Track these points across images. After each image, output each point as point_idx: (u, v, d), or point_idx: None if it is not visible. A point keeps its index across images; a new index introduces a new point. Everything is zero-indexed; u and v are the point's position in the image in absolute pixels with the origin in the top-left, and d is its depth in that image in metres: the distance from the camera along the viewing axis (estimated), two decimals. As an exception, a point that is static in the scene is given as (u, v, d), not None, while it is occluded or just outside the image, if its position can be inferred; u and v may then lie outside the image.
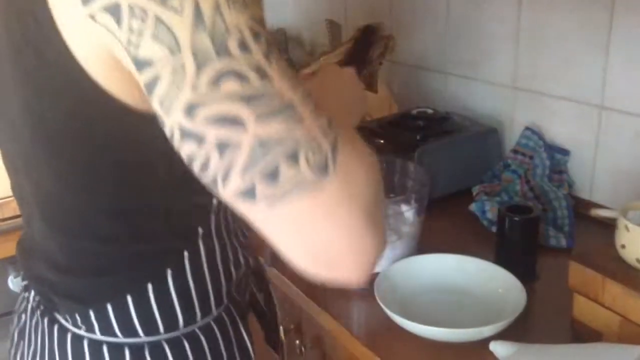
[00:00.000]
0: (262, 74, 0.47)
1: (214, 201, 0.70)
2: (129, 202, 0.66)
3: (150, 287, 0.69)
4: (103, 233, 0.67)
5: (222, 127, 0.46)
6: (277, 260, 1.08)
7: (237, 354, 0.77)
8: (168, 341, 0.72)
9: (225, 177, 0.47)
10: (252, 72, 0.46)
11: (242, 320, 0.80)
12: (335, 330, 0.94)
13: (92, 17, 0.49)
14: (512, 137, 1.34)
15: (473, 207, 1.21)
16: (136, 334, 0.71)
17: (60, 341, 0.72)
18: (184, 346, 0.72)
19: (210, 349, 0.74)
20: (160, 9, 0.46)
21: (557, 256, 1.07)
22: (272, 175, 0.47)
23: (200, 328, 0.74)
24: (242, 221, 0.71)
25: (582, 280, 0.84)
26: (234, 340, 0.77)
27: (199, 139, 0.47)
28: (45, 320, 0.74)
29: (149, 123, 0.54)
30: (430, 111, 1.33)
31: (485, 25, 1.36)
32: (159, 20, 0.46)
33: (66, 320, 0.72)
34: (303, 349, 1.07)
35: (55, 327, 0.73)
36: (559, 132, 1.26)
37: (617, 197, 1.16)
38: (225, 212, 0.73)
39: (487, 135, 1.34)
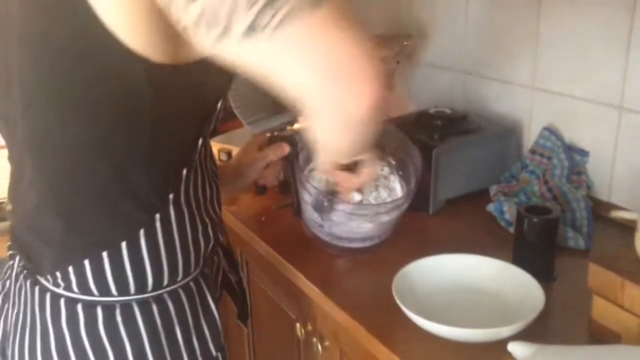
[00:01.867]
0: None
1: (184, 172, 0.78)
2: (113, 144, 0.72)
3: (124, 245, 0.76)
4: (88, 180, 0.74)
5: None
6: (294, 257, 1.09)
7: (203, 322, 0.84)
8: (138, 302, 0.78)
9: (233, 18, 0.54)
10: None
11: (211, 293, 0.86)
12: (353, 328, 0.95)
13: None
14: (530, 137, 1.34)
15: (491, 207, 1.21)
16: (109, 293, 0.77)
17: (40, 301, 0.79)
18: (151, 308, 0.79)
19: (176, 313, 0.81)
20: None
21: (575, 257, 1.07)
22: (273, 3, 0.54)
23: (168, 293, 0.81)
24: (214, 203, 0.84)
25: (601, 282, 0.83)
26: (200, 309, 0.84)
27: None
28: (28, 283, 0.80)
29: (139, 66, 0.64)
30: (448, 111, 1.33)
31: (504, 25, 1.35)
32: None
33: (47, 280, 0.79)
34: (320, 346, 1.08)
35: (37, 288, 0.79)
36: (578, 133, 1.25)
37: (636, 198, 1.15)
38: (195, 188, 0.81)
39: (505, 135, 1.33)
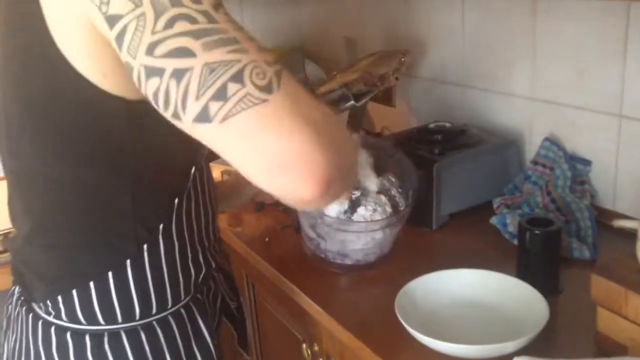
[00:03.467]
0: (209, 17, 0.56)
1: (176, 201, 0.78)
2: (97, 180, 0.73)
3: (110, 275, 0.76)
4: (72, 216, 0.75)
5: (176, 57, 0.55)
6: (298, 278, 1.09)
7: (195, 349, 0.84)
8: (126, 331, 0.79)
9: (184, 105, 0.55)
10: (200, 15, 0.56)
11: (203, 318, 0.86)
12: (358, 348, 0.94)
13: None
14: (531, 148, 1.33)
15: (494, 220, 1.20)
16: (97, 322, 0.78)
17: (33, 328, 0.81)
18: (140, 336, 0.80)
19: (166, 340, 0.81)
20: None
21: (581, 268, 1.06)
22: (221, 94, 0.54)
23: (157, 321, 0.81)
24: (209, 228, 0.84)
25: (604, 293, 0.83)
26: (191, 335, 0.84)
27: (160, 72, 0.55)
28: (24, 310, 0.82)
29: (118, 105, 0.66)
30: (448, 125, 1.33)
31: (501, 37, 1.36)
32: None
33: (40, 308, 0.80)
34: (326, 366, 1.07)
35: (30, 316, 0.81)
36: (579, 142, 1.25)
37: (640, 206, 1.14)
38: (188, 216, 0.81)
39: (506, 147, 1.33)
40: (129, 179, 0.73)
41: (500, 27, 1.35)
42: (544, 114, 1.30)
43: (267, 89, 0.55)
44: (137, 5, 0.56)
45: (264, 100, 0.54)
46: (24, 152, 0.74)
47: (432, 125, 1.34)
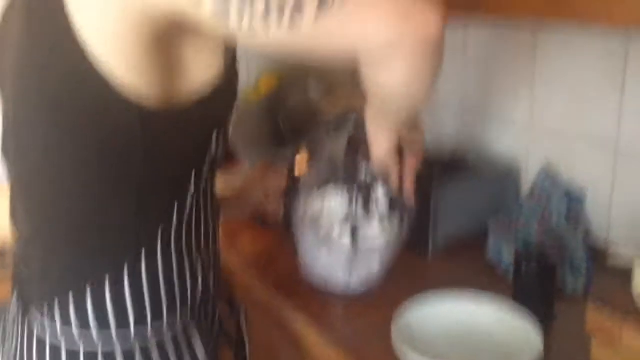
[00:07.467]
0: None
1: (174, 219, 0.78)
2: (101, 184, 0.72)
3: (107, 280, 0.75)
4: (72, 216, 0.74)
5: None
6: (292, 301, 1.09)
7: None
8: (122, 351, 0.77)
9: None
10: None
11: (203, 342, 0.84)
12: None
13: None
14: (528, 177, 1.34)
15: (489, 248, 1.21)
16: (91, 342, 0.76)
17: (29, 344, 0.79)
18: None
19: None
20: None
21: (574, 301, 1.06)
22: None
23: (154, 344, 0.78)
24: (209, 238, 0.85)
25: (599, 325, 0.83)
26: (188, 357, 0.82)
27: None
28: (20, 322, 0.81)
29: (133, 111, 0.66)
30: (446, 151, 1.34)
31: (501, 64, 1.37)
32: None
33: (37, 310, 0.78)
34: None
35: (27, 331, 0.79)
36: (575, 173, 1.26)
37: (635, 239, 1.15)
38: (189, 229, 0.80)
39: (503, 175, 1.34)
40: (133, 187, 0.73)
41: (501, 54, 1.37)
42: (541, 142, 1.32)
43: None
44: None
45: None
46: (32, 151, 0.73)
47: (430, 151, 1.34)
